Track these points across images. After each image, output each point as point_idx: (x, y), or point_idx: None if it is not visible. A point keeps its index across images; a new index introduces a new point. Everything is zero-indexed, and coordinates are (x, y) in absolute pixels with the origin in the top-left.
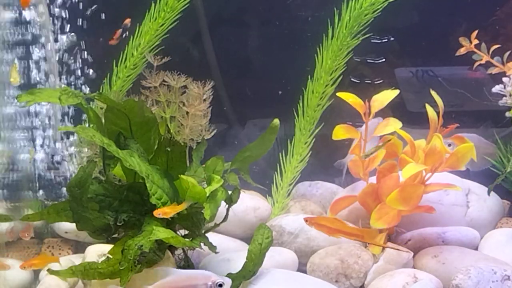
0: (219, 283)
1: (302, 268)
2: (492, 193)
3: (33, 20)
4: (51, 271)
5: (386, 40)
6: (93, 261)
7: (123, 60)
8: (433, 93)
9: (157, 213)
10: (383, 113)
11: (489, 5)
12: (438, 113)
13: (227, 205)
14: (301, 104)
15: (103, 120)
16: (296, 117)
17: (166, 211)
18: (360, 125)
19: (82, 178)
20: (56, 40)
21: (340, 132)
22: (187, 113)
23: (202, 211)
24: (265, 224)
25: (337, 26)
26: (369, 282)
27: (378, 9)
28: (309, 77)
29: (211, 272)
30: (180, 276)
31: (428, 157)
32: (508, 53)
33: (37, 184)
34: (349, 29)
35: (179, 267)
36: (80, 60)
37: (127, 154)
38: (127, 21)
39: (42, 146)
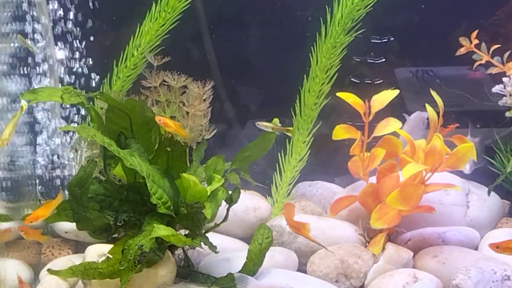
0: None
1: (302, 268)
2: (492, 193)
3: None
4: (51, 271)
5: (386, 40)
6: (93, 261)
7: (124, 60)
8: (433, 93)
9: (158, 118)
10: (384, 113)
11: (489, 5)
12: (438, 113)
13: (227, 205)
14: (298, 103)
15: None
16: (294, 116)
17: (168, 122)
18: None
19: (83, 177)
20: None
21: (340, 132)
22: (187, 113)
23: (203, 210)
24: (265, 224)
25: (330, 23)
26: (369, 282)
27: (370, 3)
28: (307, 76)
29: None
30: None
31: (428, 157)
32: (508, 53)
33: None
34: (342, 26)
35: (179, 267)
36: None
37: (128, 153)
38: None
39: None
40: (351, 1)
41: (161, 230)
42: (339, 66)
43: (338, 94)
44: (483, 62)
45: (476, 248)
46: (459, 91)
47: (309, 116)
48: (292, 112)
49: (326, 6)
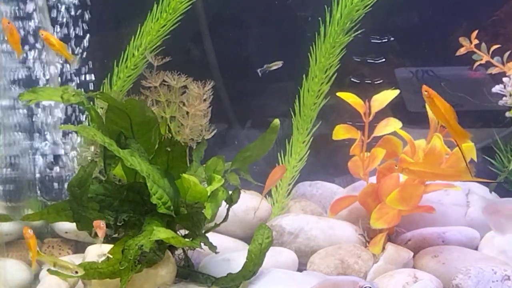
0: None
1: (302, 268)
2: (492, 193)
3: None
4: (51, 271)
5: (386, 40)
6: (93, 261)
7: (124, 60)
8: None
9: (41, 33)
10: (384, 113)
11: (489, 5)
12: None
13: (227, 205)
14: (297, 103)
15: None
16: (293, 116)
17: (51, 39)
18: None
19: (83, 177)
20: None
21: (340, 132)
22: (187, 113)
23: (203, 211)
24: (265, 224)
25: (329, 23)
26: None
27: (369, 4)
28: (306, 76)
29: (357, 277)
30: (327, 281)
31: (428, 157)
32: (508, 53)
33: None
34: (341, 26)
35: (179, 267)
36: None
37: (128, 153)
38: None
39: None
40: (350, 1)
41: (161, 233)
42: (338, 66)
43: (338, 94)
44: (483, 62)
45: (476, 248)
46: (460, 92)
47: (309, 116)
48: (292, 112)
49: (326, 6)
